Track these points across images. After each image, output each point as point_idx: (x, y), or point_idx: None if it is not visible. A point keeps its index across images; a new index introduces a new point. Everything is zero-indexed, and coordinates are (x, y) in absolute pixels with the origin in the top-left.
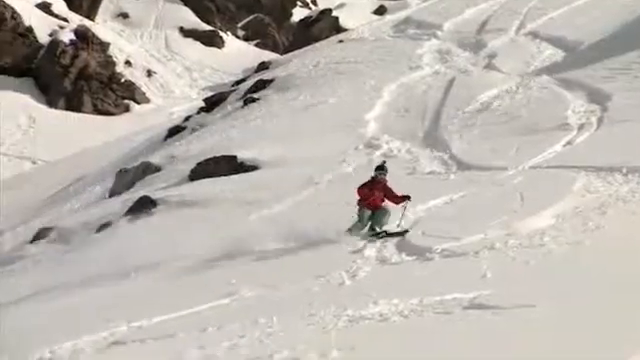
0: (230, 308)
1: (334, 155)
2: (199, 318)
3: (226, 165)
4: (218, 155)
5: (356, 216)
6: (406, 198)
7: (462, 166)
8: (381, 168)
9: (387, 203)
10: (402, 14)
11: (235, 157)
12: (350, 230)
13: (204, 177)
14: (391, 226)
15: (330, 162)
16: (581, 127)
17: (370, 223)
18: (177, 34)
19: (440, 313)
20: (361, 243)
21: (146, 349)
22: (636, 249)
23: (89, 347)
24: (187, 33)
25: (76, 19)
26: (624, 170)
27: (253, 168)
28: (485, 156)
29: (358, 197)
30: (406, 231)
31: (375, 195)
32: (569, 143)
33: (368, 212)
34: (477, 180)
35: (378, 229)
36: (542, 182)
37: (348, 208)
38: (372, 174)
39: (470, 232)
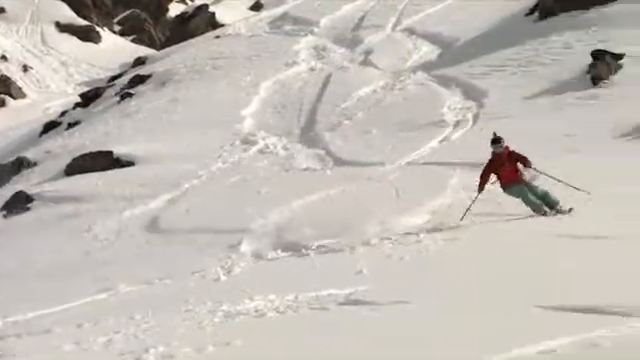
0: (106, 304)
1: (211, 151)
2: (75, 313)
3: (102, 160)
4: (94, 150)
5: (520, 200)
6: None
7: (338, 162)
8: (497, 141)
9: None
10: (278, 10)
11: (111, 152)
12: (535, 212)
13: (80, 172)
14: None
15: (206, 158)
16: (457, 124)
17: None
18: (53, 29)
19: (316, 309)
20: (237, 237)
21: (22, 344)
22: (511, 245)
23: None
24: (63, 28)
25: None
26: None
27: (129, 164)
28: (361, 152)
29: (495, 181)
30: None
31: (506, 170)
32: (445, 139)
33: (520, 187)
34: (353, 176)
35: (545, 201)
36: (418, 178)
37: (226, 205)
38: (490, 153)
39: (346, 228)
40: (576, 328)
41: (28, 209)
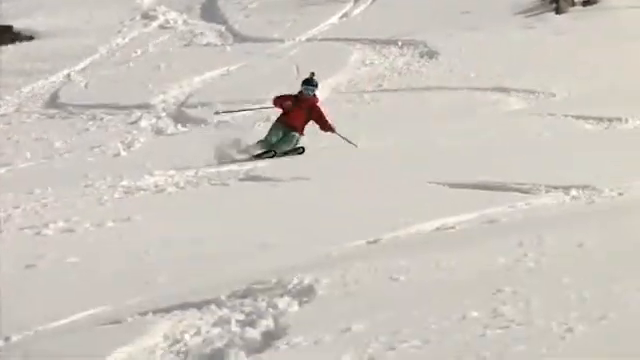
0: (4, 179)
1: (111, 26)
2: None
3: (1, 35)
4: None
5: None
6: (333, 131)
7: (238, 38)
8: (309, 82)
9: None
10: None
11: (11, 27)
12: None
13: None
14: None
15: (107, 33)
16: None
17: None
18: None
19: (216, 185)
20: (137, 113)
21: None
22: (410, 118)
23: None
24: None
25: None
26: (399, 43)
27: (29, 38)
28: (262, 28)
29: (275, 107)
30: (302, 148)
31: (296, 113)
32: (345, 16)
33: (280, 131)
34: (253, 52)
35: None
36: (318, 55)
37: (126, 80)
38: (299, 89)
39: (247, 103)
40: (474, 205)
41: None
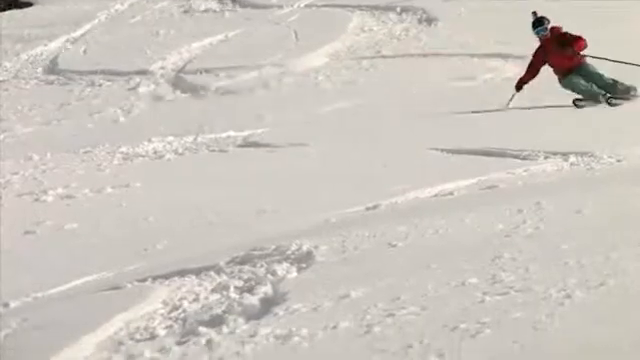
0: (3, 145)
1: None
2: None
3: (0, 1)
4: None
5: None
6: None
7: (237, 4)
8: (539, 23)
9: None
10: None
11: None
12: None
13: None
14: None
15: None
16: None
17: (593, 85)
18: None
19: (215, 151)
20: (136, 79)
21: None
22: (401, 88)
23: None
24: None
25: None
26: (398, 9)
27: (27, 4)
28: None
29: (548, 68)
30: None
31: (557, 57)
32: None
33: (577, 78)
34: (252, 18)
35: (610, 85)
36: (317, 21)
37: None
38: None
39: (245, 70)
40: (473, 171)
41: None
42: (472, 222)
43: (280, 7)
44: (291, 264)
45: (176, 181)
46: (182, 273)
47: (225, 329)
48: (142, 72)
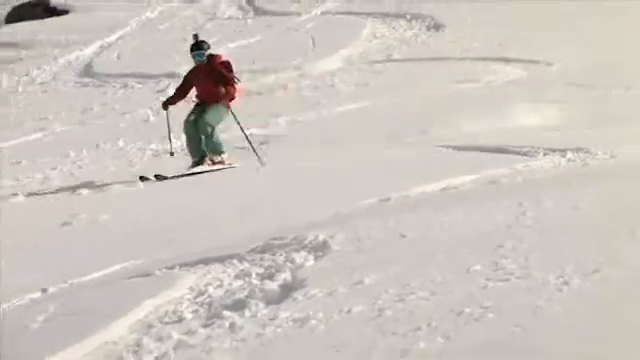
0: (43, 142)
1: (140, 0)
2: (14, 151)
3: (39, 9)
4: (32, 0)
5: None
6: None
7: (259, 11)
8: (197, 46)
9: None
10: None
11: (48, 2)
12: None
13: (19, 21)
14: None
15: (136, 7)
16: None
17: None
18: None
19: (238, 148)
20: (165, 81)
21: None
22: (414, 86)
23: None
24: None
25: None
26: (408, 16)
27: (65, 12)
28: (280, 2)
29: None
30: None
31: (204, 84)
32: None
33: (196, 112)
34: (272, 25)
35: (203, 148)
36: (332, 28)
37: (155, 51)
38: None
39: (266, 72)
40: (477, 167)
41: None
42: (476, 214)
43: (298, 15)
44: (308, 253)
45: (201, 175)
46: (207, 261)
47: (247, 313)
48: (170, 75)
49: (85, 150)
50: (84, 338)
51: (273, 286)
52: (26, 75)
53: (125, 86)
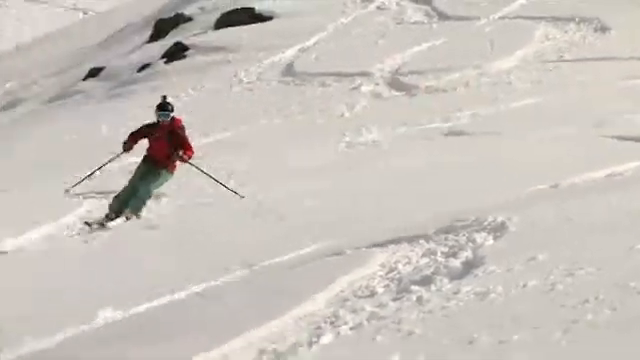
0: (248, 135)
1: (336, 7)
2: (228, 141)
3: (245, 15)
4: (239, 7)
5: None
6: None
7: (442, 16)
8: (163, 107)
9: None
10: None
11: (253, 9)
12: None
13: (227, 26)
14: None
15: (333, 14)
16: None
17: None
18: None
19: (424, 139)
20: (358, 80)
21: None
22: (584, 83)
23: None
24: None
25: None
26: (577, 20)
27: (268, 18)
28: (462, 8)
29: (127, 149)
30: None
31: (159, 143)
32: None
33: (142, 168)
34: (455, 29)
35: (130, 207)
36: (509, 30)
37: (350, 53)
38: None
39: (449, 71)
40: None
41: (185, 57)
42: (638, 198)
43: (478, 19)
44: (488, 233)
45: (393, 163)
46: (396, 241)
47: (433, 287)
48: (364, 74)
49: (290, 142)
50: (288, 311)
51: (456, 263)
52: (234, 76)
53: (323, 84)
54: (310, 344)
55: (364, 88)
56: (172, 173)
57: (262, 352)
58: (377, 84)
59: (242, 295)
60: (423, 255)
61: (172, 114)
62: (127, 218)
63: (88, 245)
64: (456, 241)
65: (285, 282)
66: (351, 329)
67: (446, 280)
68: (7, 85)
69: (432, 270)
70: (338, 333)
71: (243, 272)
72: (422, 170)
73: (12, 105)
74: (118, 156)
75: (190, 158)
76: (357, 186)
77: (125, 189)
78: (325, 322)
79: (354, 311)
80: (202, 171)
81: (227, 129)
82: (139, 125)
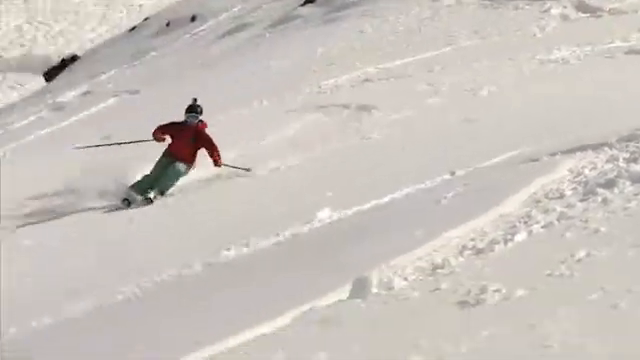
0: (448, 55)
1: None
2: (426, 62)
3: None
4: None
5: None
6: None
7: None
8: (192, 109)
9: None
10: None
11: None
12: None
13: None
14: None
15: None
16: None
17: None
18: None
19: (607, 57)
20: (548, 3)
21: (388, 85)
22: None
23: (347, 83)
24: None
25: None
26: None
27: None
28: None
29: (155, 139)
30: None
31: (181, 142)
32: None
33: (164, 161)
34: None
35: (153, 193)
36: None
37: None
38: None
39: None
40: None
41: None
42: None
43: None
44: None
45: (577, 79)
46: (583, 148)
47: (616, 190)
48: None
49: (484, 60)
50: (485, 210)
51: (637, 168)
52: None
53: (516, 8)
54: (506, 241)
55: (554, 11)
56: (192, 167)
57: (464, 247)
58: (565, 7)
59: (447, 195)
60: (607, 161)
61: (200, 117)
62: (150, 200)
63: None
64: (637, 148)
65: (484, 185)
66: (542, 227)
67: (628, 183)
68: (234, 9)
69: (615, 174)
70: (531, 231)
71: (460, 173)
72: (607, 85)
73: (239, 29)
74: (143, 141)
75: (220, 158)
76: (548, 100)
77: (149, 175)
78: (519, 221)
79: (545, 211)
80: (234, 167)
81: (428, 50)
82: (168, 121)
